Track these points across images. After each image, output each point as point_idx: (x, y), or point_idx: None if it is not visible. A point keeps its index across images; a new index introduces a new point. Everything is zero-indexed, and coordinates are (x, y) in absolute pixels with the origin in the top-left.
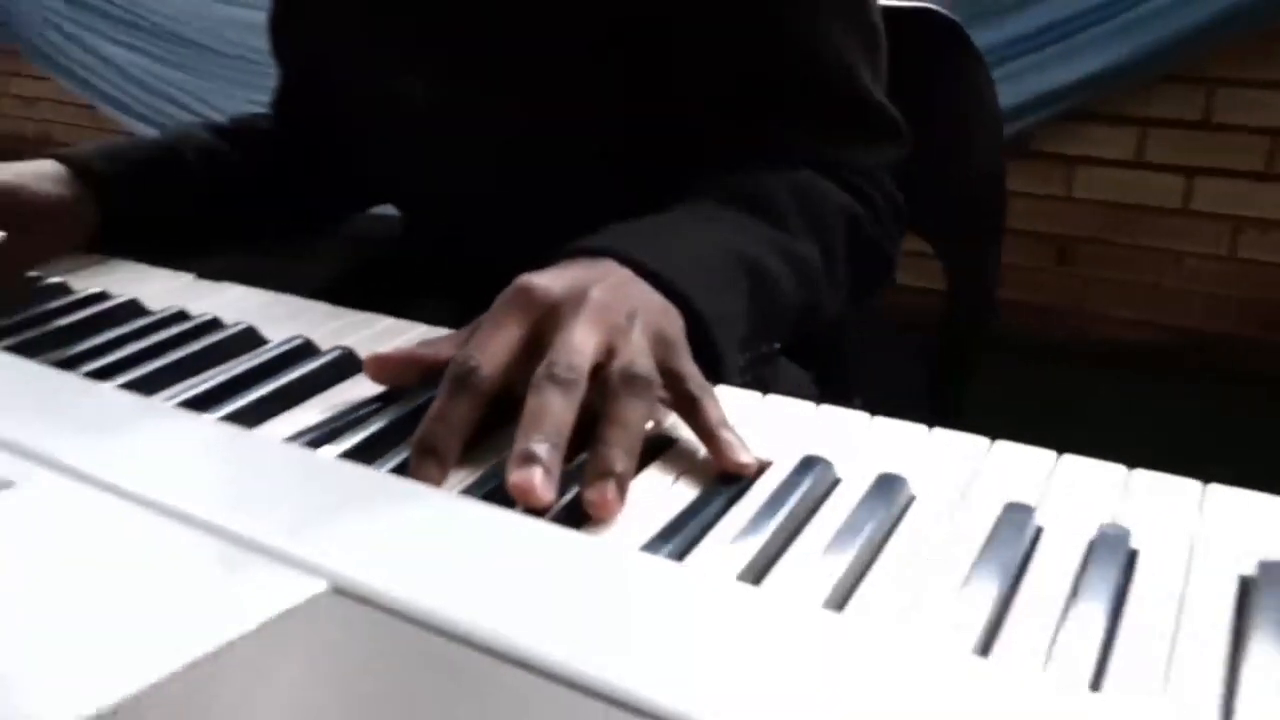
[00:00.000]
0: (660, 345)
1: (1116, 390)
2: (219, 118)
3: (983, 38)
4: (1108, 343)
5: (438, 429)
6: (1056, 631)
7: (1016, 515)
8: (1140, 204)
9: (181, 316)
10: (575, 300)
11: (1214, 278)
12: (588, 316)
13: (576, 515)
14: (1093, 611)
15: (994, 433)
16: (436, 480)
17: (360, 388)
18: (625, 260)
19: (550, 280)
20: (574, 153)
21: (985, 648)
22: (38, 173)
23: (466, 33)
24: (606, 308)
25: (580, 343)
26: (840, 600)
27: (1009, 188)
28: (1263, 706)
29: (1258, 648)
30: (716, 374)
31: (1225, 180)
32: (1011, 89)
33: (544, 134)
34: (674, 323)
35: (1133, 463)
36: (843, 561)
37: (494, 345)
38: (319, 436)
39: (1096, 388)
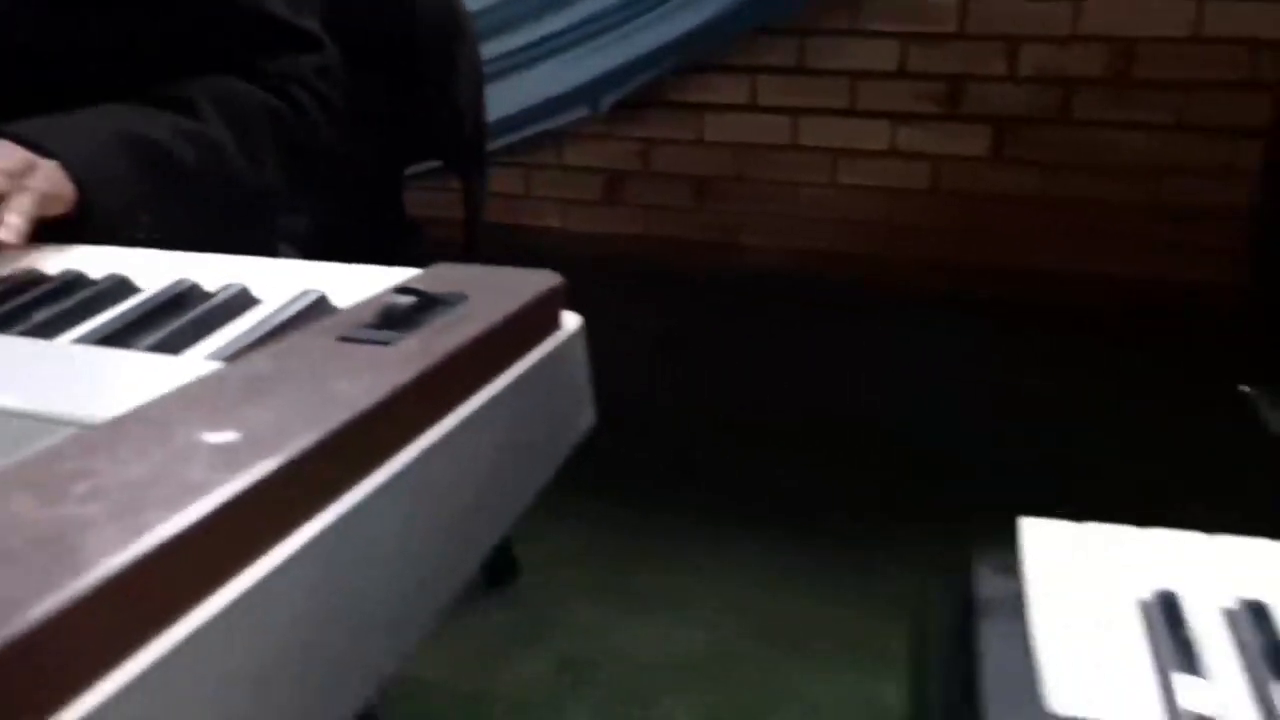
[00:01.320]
0: (21, 173)
1: (759, 311)
2: None
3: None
4: (747, 268)
5: None
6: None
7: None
8: (759, 142)
9: None
10: None
11: (823, 204)
12: None
13: None
14: None
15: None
16: None
17: None
18: (21, 139)
19: None
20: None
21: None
22: None
23: None
24: None
25: None
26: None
27: (651, 136)
28: None
29: None
30: (94, 213)
31: (820, 118)
32: (630, 46)
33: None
34: (43, 168)
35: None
36: None
37: None
38: None
39: (740, 310)
